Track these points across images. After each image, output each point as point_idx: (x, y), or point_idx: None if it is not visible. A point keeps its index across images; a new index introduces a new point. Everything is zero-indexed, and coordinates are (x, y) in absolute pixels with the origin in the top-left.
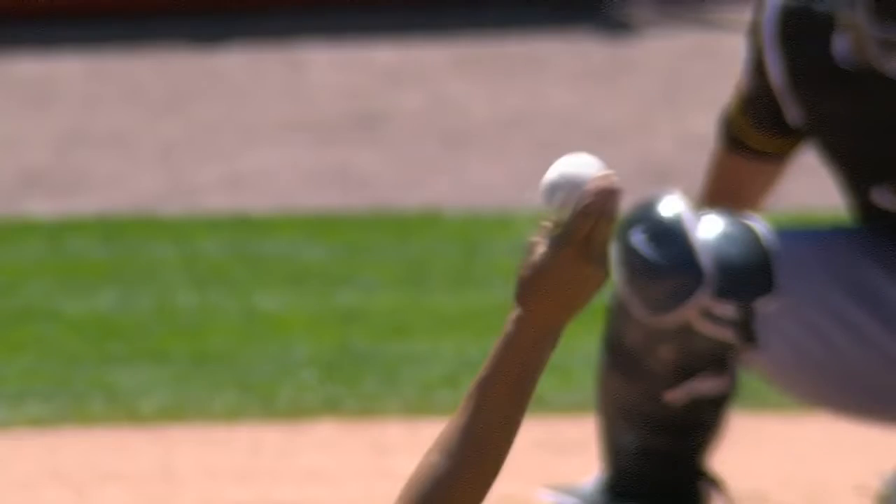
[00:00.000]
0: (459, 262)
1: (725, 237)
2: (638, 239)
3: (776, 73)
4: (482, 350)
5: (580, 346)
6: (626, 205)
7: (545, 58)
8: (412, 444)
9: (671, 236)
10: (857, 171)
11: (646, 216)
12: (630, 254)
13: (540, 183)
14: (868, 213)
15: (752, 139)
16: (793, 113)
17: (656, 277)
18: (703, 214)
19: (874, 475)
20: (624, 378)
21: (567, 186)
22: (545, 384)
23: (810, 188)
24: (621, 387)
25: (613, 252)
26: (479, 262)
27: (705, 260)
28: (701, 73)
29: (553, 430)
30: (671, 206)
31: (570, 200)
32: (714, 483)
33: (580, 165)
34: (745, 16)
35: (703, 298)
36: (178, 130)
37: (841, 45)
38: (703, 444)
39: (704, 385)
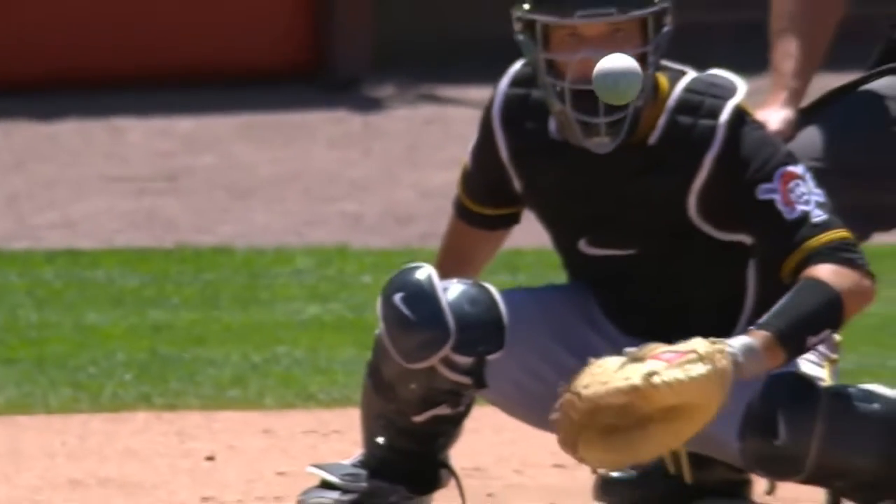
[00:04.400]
0: (245, 288)
1: (468, 301)
2: (398, 298)
3: (503, 149)
4: (263, 357)
5: (341, 354)
6: (378, 242)
7: (313, 126)
8: (208, 431)
9: (425, 299)
10: (564, 227)
11: (406, 280)
12: (391, 310)
13: (600, 77)
14: (575, 261)
15: (480, 210)
16: (515, 184)
17: (411, 332)
18: (452, 281)
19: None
20: (380, 398)
21: (625, 74)
22: (314, 383)
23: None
24: (378, 403)
25: (379, 308)
26: (262, 287)
27: (450, 320)
28: (435, 138)
29: (320, 420)
30: (426, 273)
31: (633, 86)
32: (449, 468)
33: (626, 59)
34: (469, 93)
35: (446, 351)
36: (22, 184)
37: (553, 124)
38: (442, 446)
39: (443, 412)
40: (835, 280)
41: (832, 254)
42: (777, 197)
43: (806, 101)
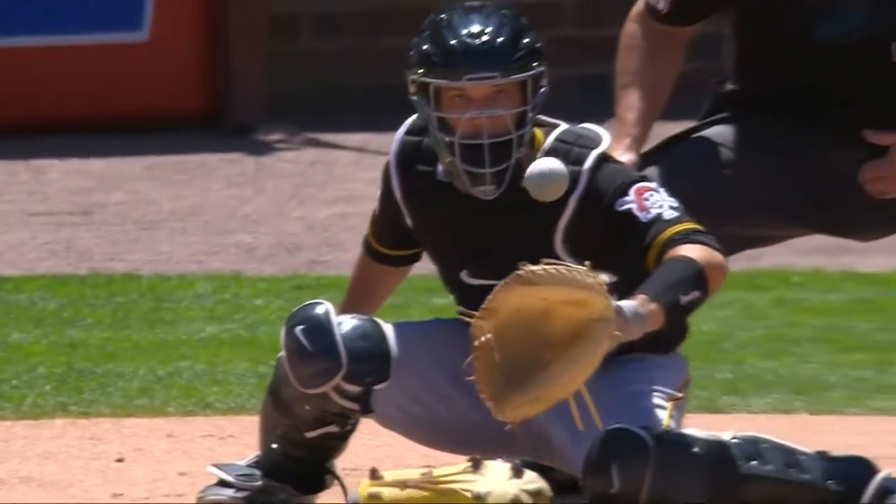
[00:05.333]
0: (152, 310)
1: (359, 336)
2: (299, 331)
3: (398, 189)
4: (167, 370)
5: (236, 368)
6: (269, 270)
7: (212, 167)
8: (118, 435)
9: (322, 332)
10: (449, 260)
11: (307, 314)
12: (292, 341)
13: (533, 173)
14: (458, 290)
15: (384, 250)
16: (408, 220)
17: (308, 361)
18: (346, 317)
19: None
20: (278, 413)
21: (554, 176)
22: (212, 393)
23: None
24: (275, 418)
25: (282, 338)
26: (166, 309)
27: (343, 353)
28: (319, 178)
29: (217, 426)
30: (325, 309)
31: (556, 185)
32: (333, 474)
33: (556, 164)
34: (349, 139)
35: (338, 381)
36: None
37: (441, 168)
38: (329, 457)
39: (332, 430)
40: (692, 253)
41: (685, 238)
42: (633, 206)
43: (646, 147)
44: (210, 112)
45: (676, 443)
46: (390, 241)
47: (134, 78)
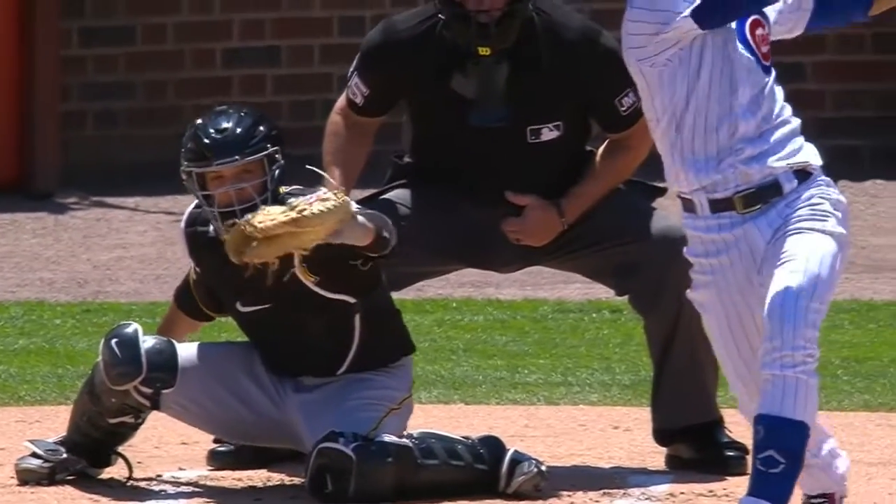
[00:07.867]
0: None
1: (156, 352)
2: (113, 342)
3: (187, 246)
4: None
5: (41, 371)
6: (65, 299)
7: (22, 223)
8: None
9: (130, 345)
10: (225, 294)
11: (120, 331)
12: (107, 349)
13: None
14: (237, 318)
15: (202, 307)
16: (198, 269)
17: (117, 366)
18: (150, 337)
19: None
20: (90, 402)
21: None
22: (22, 389)
23: None
24: (87, 406)
25: (101, 346)
26: None
27: (144, 363)
28: (102, 231)
29: (26, 414)
30: (133, 328)
31: None
32: (120, 454)
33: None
34: (125, 201)
35: (136, 383)
36: None
37: (216, 229)
38: (120, 441)
39: (128, 420)
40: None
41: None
42: None
43: None
44: (20, 181)
45: (374, 453)
46: (206, 299)
47: None
